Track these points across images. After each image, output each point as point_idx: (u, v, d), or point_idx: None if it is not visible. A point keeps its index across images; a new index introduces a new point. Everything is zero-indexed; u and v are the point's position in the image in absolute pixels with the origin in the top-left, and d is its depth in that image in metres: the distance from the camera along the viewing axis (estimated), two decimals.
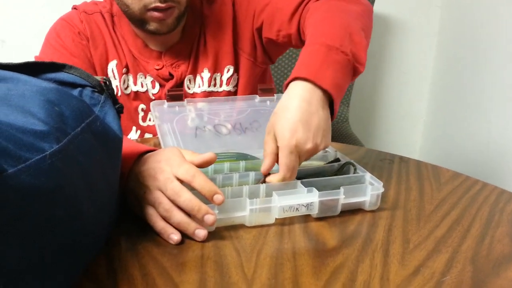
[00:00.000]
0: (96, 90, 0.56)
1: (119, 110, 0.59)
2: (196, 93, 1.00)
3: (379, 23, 1.77)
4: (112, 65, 0.98)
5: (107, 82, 0.57)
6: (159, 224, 0.58)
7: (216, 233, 0.60)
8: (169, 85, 0.99)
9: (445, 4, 1.80)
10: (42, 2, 1.59)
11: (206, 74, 1.00)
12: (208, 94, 1.01)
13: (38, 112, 0.42)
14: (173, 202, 0.58)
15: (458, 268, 0.54)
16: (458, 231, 0.63)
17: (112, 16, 0.99)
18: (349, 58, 0.72)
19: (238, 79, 1.03)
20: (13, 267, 0.37)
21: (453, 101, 1.76)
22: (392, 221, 0.65)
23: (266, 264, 0.54)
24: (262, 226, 0.62)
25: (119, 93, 0.99)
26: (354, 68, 0.73)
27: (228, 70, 1.01)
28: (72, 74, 0.55)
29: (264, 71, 1.08)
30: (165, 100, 0.85)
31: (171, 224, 0.58)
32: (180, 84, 0.99)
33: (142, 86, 0.99)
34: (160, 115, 0.82)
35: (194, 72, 1.00)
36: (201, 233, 0.58)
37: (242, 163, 0.72)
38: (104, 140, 0.51)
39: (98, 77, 0.58)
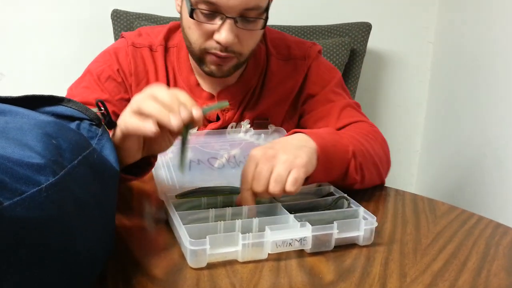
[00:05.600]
0: (93, 123, 0.56)
1: None
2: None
3: (373, 58, 1.80)
4: None
5: (105, 115, 0.58)
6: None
7: (211, 267, 0.59)
8: (211, 126, 0.97)
9: (437, 39, 1.84)
10: (40, 38, 1.62)
11: (245, 123, 0.98)
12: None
13: (35, 145, 0.42)
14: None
15: None
16: (454, 265, 0.62)
17: (166, 48, 0.98)
18: (349, 157, 0.78)
19: None
20: None
21: (448, 134, 1.78)
22: (388, 254, 0.64)
23: None
24: (258, 261, 0.61)
25: None
26: (347, 170, 0.79)
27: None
28: (70, 107, 0.55)
29: None
30: None
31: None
32: (223, 128, 0.97)
33: None
34: None
35: (239, 120, 0.99)
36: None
37: (235, 197, 0.72)
38: (100, 172, 0.51)
39: (95, 109, 0.58)
